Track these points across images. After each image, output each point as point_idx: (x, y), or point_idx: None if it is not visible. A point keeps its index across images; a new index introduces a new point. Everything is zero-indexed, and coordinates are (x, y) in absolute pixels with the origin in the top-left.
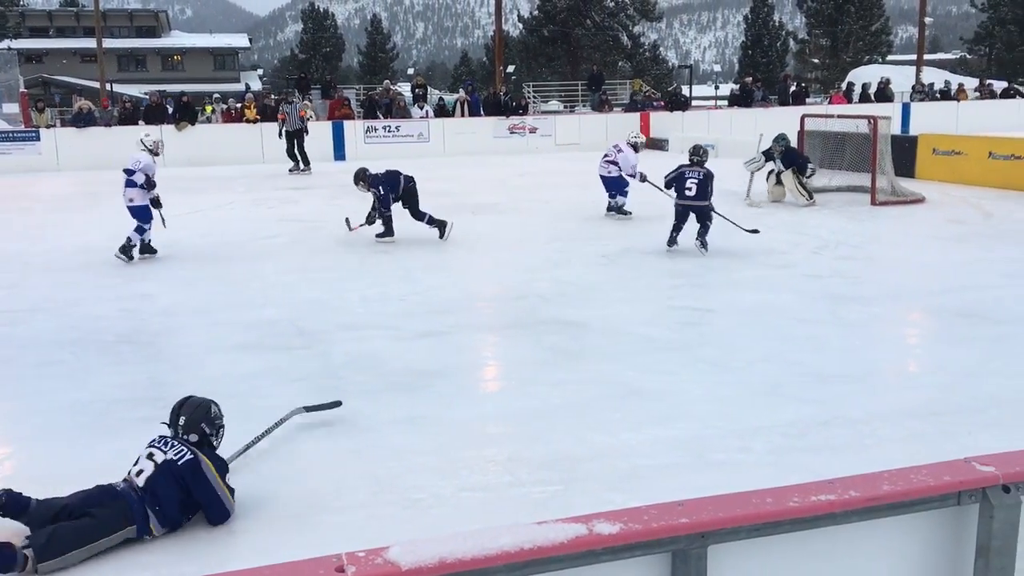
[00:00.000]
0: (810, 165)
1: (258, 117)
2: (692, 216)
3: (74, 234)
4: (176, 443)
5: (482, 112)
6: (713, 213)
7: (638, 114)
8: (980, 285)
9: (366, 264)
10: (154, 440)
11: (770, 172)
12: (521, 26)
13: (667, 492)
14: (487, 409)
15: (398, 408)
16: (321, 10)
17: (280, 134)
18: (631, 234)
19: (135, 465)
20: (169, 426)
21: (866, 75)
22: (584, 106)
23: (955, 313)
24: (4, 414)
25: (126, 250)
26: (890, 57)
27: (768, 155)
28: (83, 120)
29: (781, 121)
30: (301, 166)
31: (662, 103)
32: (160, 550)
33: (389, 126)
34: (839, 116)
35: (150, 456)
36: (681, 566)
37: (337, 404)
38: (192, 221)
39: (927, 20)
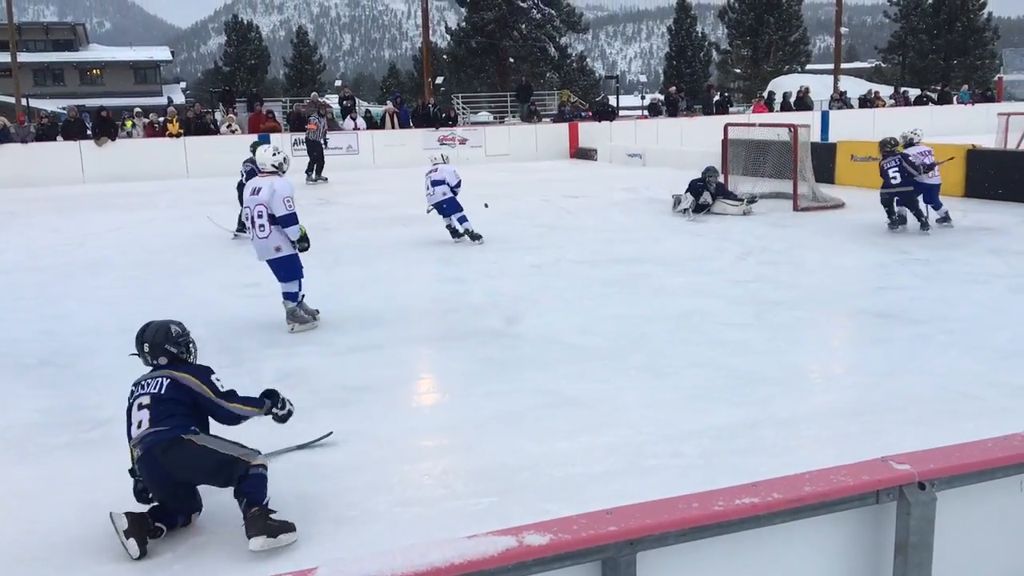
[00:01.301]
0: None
1: (181, 131)
2: None
3: None
4: (149, 380)
5: (411, 124)
6: None
7: (566, 124)
8: (897, 286)
9: None
10: (132, 392)
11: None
12: (449, 37)
13: (602, 499)
14: (421, 422)
15: (330, 425)
16: (245, 22)
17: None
18: (563, 243)
19: (131, 425)
20: (138, 356)
21: (786, 84)
22: (513, 117)
23: (875, 314)
24: None
25: None
26: (809, 66)
27: (696, 188)
28: None
29: (705, 130)
30: (316, 176)
31: (590, 113)
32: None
33: None
34: (761, 125)
35: (139, 406)
36: (611, 574)
37: (328, 435)
38: (113, 238)
39: (843, 30)
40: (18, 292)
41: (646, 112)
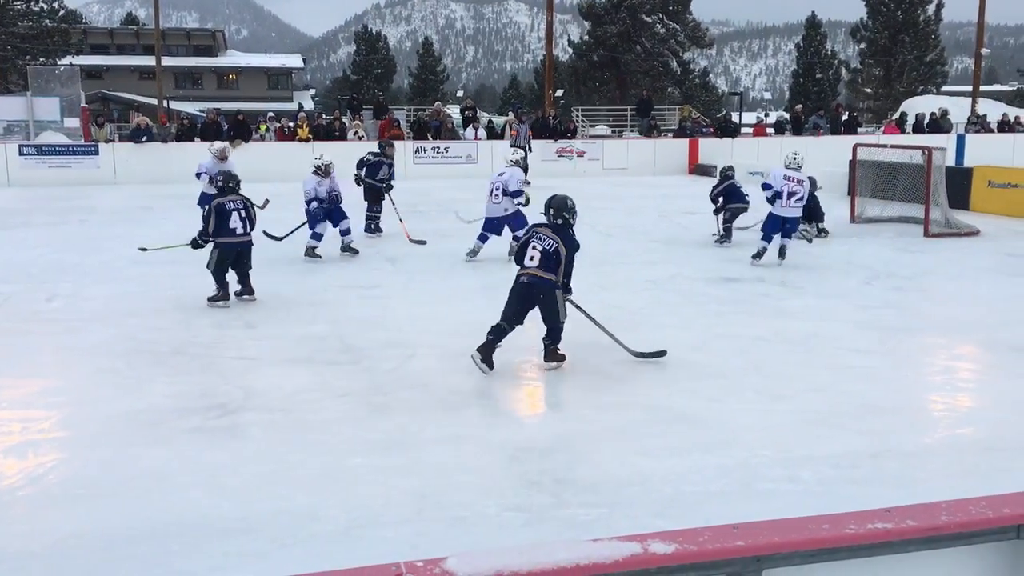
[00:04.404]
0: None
1: (310, 136)
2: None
3: (130, 246)
4: (546, 236)
5: (531, 135)
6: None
7: (687, 140)
8: None
9: (415, 282)
10: (534, 232)
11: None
12: (571, 51)
13: (712, 519)
14: (532, 430)
15: (443, 426)
16: (374, 32)
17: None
18: (679, 260)
19: (527, 259)
20: (544, 214)
21: (920, 105)
22: (632, 131)
23: (1009, 348)
24: (59, 421)
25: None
26: (945, 88)
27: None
28: (141, 136)
29: (832, 150)
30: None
31: (711, 130)
32: (204, 556)
33: (438, 147)
34: (892, 146)
35: (534, 247)
36: None
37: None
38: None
39: (984, 52)
40: (156, 283)
41: (771, 130)
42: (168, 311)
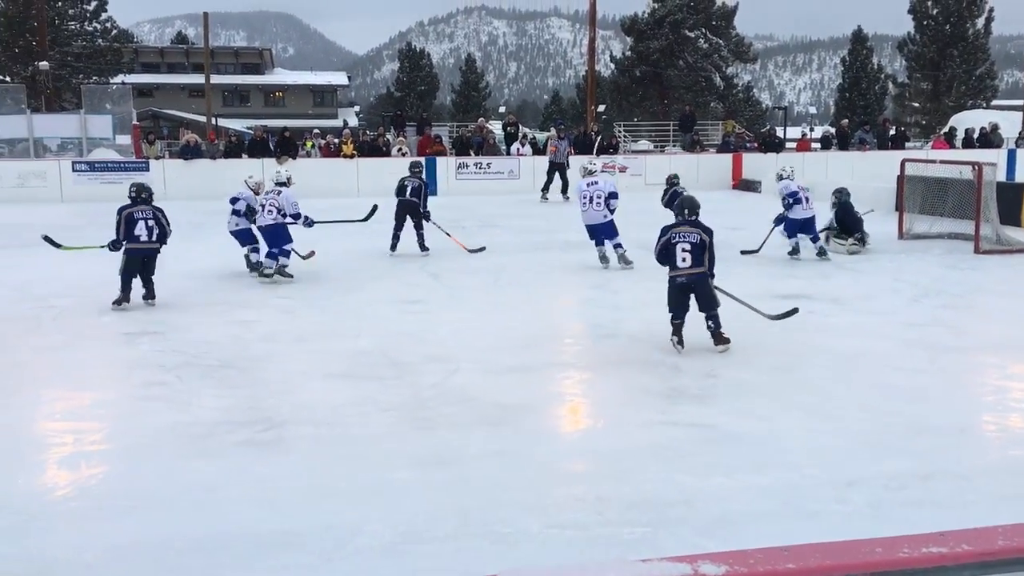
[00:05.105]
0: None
1: (355, 152)
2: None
3: (179, 261)
4: (689, 231)
5: (573, 150)
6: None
7: (730, 155)
8: None
9: (456, 297)
10: (677, 232)
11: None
12: (613, 66)
13: (761, 541)
14: (575, 447)
15: (487, 442)
16: (417, 49)
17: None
18: (723, 275)
19: (679, 261)
20: (679, 215)
21: (969, 120)
22: (674, 146)
23: None
24: (109, 433)
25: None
26: (995, 102)
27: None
28: (190, 152)
29: (879, 165)
30: (546, 195)
31: (755, 144)
32: (253, 570)
33: (480, 163)
34: (941, 162)
35: (682, 248)
36: None
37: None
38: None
39: None
40: (206, 297)
41: (817, 145)
42: (217, 325)
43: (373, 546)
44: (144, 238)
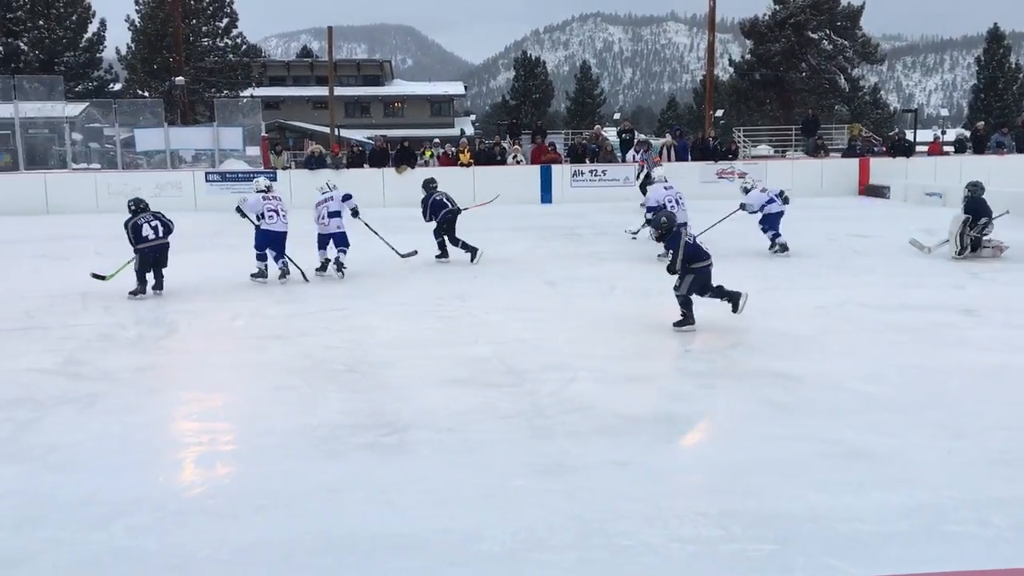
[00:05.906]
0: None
1: (471, 161)
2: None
3: (306, 268)
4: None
5: (689, 157)
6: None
7: (856, 160)
8: None
9: (572, 305)
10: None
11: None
12: (732, 70)
13: (896, 562)
14: (695, 459)
15: (605, 451)
16: (533, 58)
17: (637, 176)
18: (850, 285)
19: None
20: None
21: None
22: (796, 151)
23: None
24: (241, 433)
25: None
26: None
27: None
28: (315, 163)
29: (1019, 169)
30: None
31: (883, 149)
32: (377, 572)
33: (595, 170)
34: None
35: (702, 242)
36: None
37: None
38: (413, 260)
39: None
40: (331, 304)
41: (950, 148)
42: (341, 331)
43: (493, 552)
44: (152, 237)
